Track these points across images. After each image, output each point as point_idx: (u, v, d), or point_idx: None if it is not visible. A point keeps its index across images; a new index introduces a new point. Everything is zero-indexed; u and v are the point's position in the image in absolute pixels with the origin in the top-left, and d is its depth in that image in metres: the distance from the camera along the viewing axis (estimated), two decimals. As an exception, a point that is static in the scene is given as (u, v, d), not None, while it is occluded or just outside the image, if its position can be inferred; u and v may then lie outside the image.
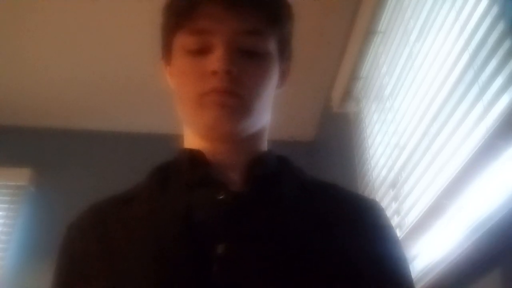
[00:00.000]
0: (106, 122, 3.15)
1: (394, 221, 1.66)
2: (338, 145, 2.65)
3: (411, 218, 1.53)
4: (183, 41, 0.83)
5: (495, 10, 1.15)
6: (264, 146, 0.90)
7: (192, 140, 0.87)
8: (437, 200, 1.35)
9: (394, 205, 1.74)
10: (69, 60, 2.66)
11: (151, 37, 2.56)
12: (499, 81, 1.11)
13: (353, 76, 2.33)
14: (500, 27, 1.12)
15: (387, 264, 0.78)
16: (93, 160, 3.11)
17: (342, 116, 2.53)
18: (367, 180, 2.07)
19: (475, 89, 1.21)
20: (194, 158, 0.83)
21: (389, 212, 1.72)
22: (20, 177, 2.96)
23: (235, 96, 0.79)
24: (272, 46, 0.84)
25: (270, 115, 0.90)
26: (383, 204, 1.81)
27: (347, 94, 2.40)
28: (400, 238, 1.38)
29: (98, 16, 2.38)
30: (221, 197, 0.76)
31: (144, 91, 2.87)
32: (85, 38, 2.51)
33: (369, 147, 2.11)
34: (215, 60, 0.78)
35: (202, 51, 0.80)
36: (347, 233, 0.76)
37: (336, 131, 2.72)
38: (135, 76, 2.77)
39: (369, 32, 2.12)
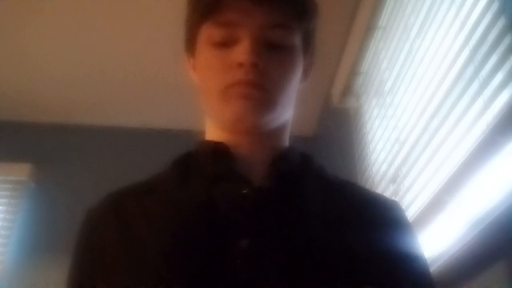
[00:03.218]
0: (106, 117, 3.15)
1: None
2: (338, 140, 2.65)
3: (411, 213, 1.54)
4: (209, 33, 0.82)
5: (495, 6, 1.15)
6: (287, 141, 0.90)
7: (214, 133, 0.87)
8: (437, 195, 1.35)
9: (394, 200, 1.74)
10: (69, 55, 2.66)
11: (151, 33, 2.57)
12: (499, 77, 1.12)
13: (354, 72, 2.34)
14: (501, 23, 1.12)
15: (407, 262, 0.78)
16: (93, 155, 3.11)
17: (342, 111, 2.53)
18: (367, 175, 2.07)
19: (475, 85, 1.21)
20: (217, 150, 0.83)
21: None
22: (20, 172, 2.96)
23: (261, 89, 0.79)
24: (297, 40, 0.84)
25: (292, 110, 0.89)
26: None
27: (348, 89, 2.41)
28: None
29: (99, 12, 2.38)
30: (244, 192, 0.75)
31: (144, 87, 2.88)
32: (85, 33, 2.51)
33: (369, 142, 2.11)
34: (242, 53, 0.78)
35: (227, 44, 0.80)
36: (368, 231, 0.77)
37: (336, 126, 2.72)
38: (135, 72, 2.77)
39: (370, 28, 2.12)
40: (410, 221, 0.89)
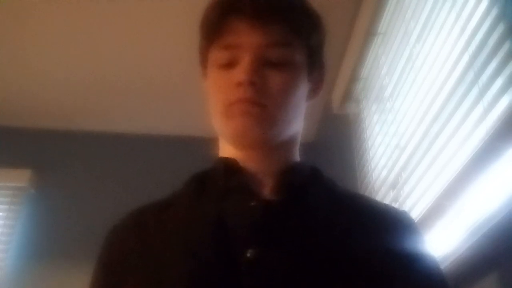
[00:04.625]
0: (106, 123, 3.14)
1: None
2: (338, 147, 2.65)
3: (411, 219, 1.53)
4: (215, 56, 0.87)
5: (495, 11, 1.15)
6: (296, 155, 0.93)
7: (226, 149, 0.91)
8: (437, 201, 1.35)
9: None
10: (69, 61, 2.66)
11: (153, 38, 2.56)
12: (499, 82, 1.11)
13: (354, 77, 2.34)
14: (500, 28, 1.12)
15: (420, 273, 0.79)
16: (94, 161, 3.11)
17: (342, 117, 2.53)
18: (367, 181, 2.07)
19: (475, 90, 1.21)
20: (228, 166, 0.87)
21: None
22: (20, 178, 2.95)
23: (260, 106, 0.82)
24: (299, 57, 0.87)
25: (301, 125, 0.93)
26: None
27: (348, 95, 2.41)
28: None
29: (101, 17, 2.38)
30: (252, 204, 0.79)
31: (144, 93, 2.88)
32: (85, 39, 2.51)
33: (370, 148, 2.11)
34: (240, 72, 0.82)
35: (231, 65, 0.85)
36: (374, 243, 0.78)
37: (336, 132, 2.72)
38: (136, 78, 2.77)
39: (370, 33, 2.13)
40: (420, 231, 0.88)
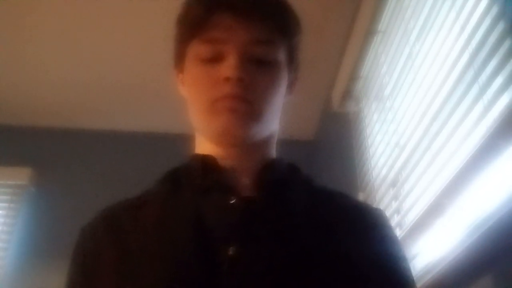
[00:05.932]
0: (106, 121, 3.15)
1: (394, 220, 1.66)
2: (338, 145, 2.65)
3: (411, 217, 1.54)
4: (197, 50, 0.86)
5: (495, 10, 1.15)
6: (273, 152, 0.93)
7: (203, 146, 0.90)
8: (437, 199, 1.35)
9: (394, 204, 1.74)
10: (69, 59, 2.66)
11: (151, 38, 2.57)
12: (499, 80, 1.11)
13: (353, 76, 2.34)
14: (500, 26, 1.12)
15: (390, 268, 0.80)
16: (94, 159, 3.11)
17: (342, 115, 2.53)
18: (367, 180, 2.07)
19: (475, 89, 1.21)
20: (206, 163, 0.86)
21: (389, 211, 1.72)
22: (21, 176, 2.96)
23: (246, 102, 0.82)
24: (281, 55, 0.88)
25: (278, 123, 0.93)
26: (383, 203, 1.81)
27: (347, 93, 2.41)
28: (400, 237, 1.38)
29: (99, 16, 2.38)
30: (232, 202, 0.78)
31: (143, 91, 2.88)
32: (85, 37, 2.51)
33: (369, 147, 2.11)
34: (228, 68, 0.81)
35: (214, 60, 0.84)
36: (352, 239, 0.79)
37: (336, 131, 2.72)
38: (135, 76, 2.77)
39: (369, 32, 2.12)
40: (393, 229, 0.92)
